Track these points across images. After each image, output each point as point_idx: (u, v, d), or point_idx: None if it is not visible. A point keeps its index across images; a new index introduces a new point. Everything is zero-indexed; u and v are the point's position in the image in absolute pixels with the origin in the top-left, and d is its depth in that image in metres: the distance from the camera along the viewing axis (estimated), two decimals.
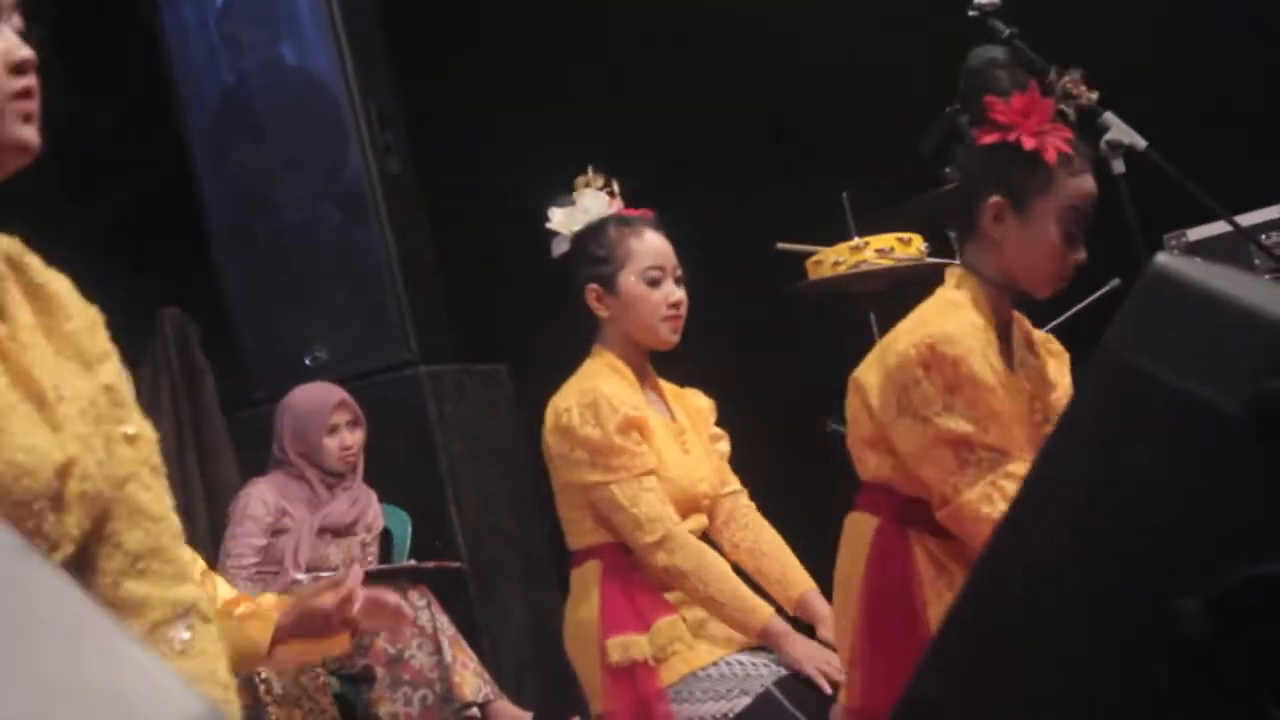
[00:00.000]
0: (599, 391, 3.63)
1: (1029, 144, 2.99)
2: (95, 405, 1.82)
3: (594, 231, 3.77)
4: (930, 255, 4.69)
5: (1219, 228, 4.34)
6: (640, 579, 3.61)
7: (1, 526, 0.97)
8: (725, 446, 3.90)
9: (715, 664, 3.57)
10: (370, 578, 4.51)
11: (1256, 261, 4.32)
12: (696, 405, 3.89)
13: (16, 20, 1.78)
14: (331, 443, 4.78)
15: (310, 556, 4.61)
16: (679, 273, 3.74)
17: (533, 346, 5.89)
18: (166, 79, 5.76)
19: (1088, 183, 3.03)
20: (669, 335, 3.71)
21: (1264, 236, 4.38)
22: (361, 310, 5.51)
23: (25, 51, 1.76)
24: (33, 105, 1.75)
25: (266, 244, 5.59)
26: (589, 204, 3.79)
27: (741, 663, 3.59)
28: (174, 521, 1.90)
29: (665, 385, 3.87)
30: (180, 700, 0.89)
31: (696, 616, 3.63)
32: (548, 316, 5.97)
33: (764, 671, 3.57)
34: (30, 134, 1.76)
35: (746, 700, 3.54)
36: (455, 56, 6.15)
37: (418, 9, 6.07)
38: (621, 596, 3.60)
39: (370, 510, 4.83)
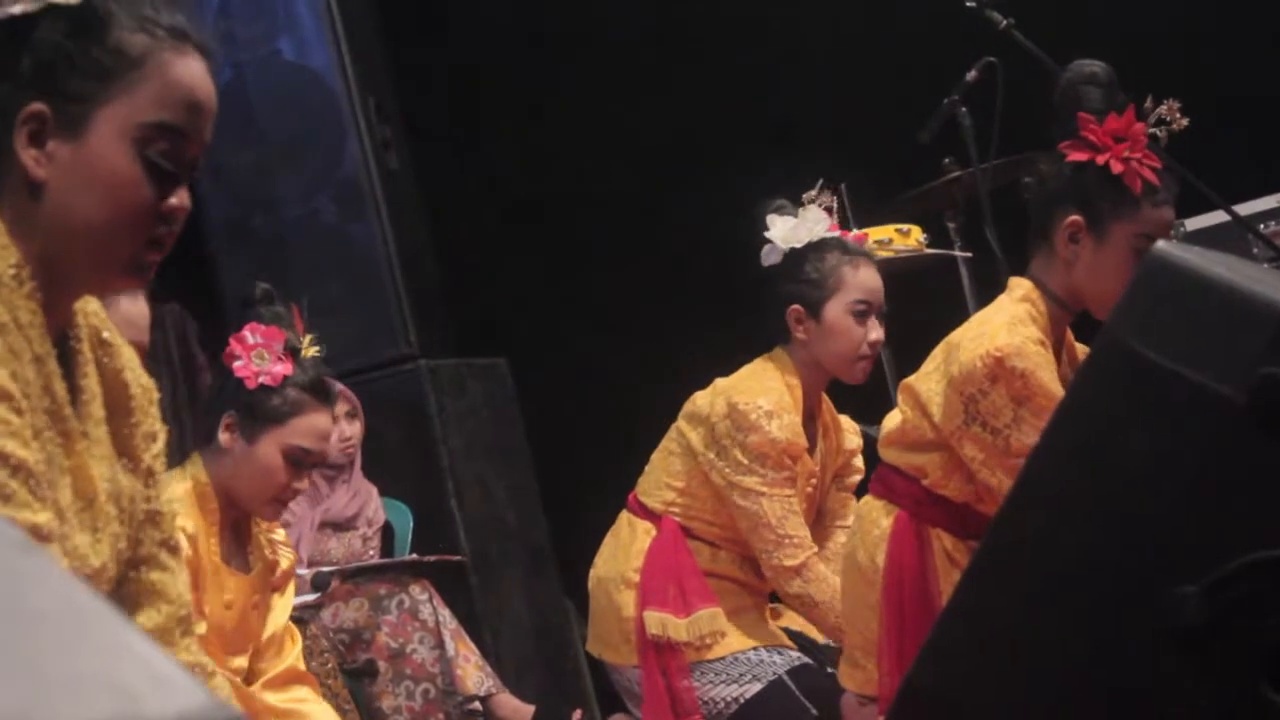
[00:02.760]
0: (786, 401, 3.64)
1: (1117, 169, 2.96)
2: (134, 502, 1.83)
3: (812, 252, 3.72)
4: (928, 246, 4.69)
5: (1217, 217, 4.34)
6: (690, 562, 3.67)
7: (2, 521, 0.97)
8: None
9: (735, 653, 3.63)
10: (372, 571, 4.54)
11: (1255, 250, 4.32)
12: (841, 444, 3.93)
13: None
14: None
15: (311, 551, 4.60)
16: (884, 309, 3.72)
17: (532, 340, 5.90)
18: None
19: (1168, 213, 3.03)
20: (859, 376, 3.72)
21: (1262, 225, 4.38)
22: (360, 305, 5.50)
23: (188, 205, 1.74)
24: (160, 256, 1.74)
25: (264, 239, 5.58)
26: (813, 221, 3.73)
27: (758, 650, 3.65)
28: (185, 606, 1.90)
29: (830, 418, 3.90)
30: (183, 691, 0.88)
31: (731, 605, 3.70)
32: (546, 310, 5.98)
33: (778, 660, 3.62)
34: (144, 280, 1.76)
35: (758, 687, 3.60)
36: (453, 51, 6.14)
37: (416, 3, 6.06)
38: (665, 573, 3.65)
39: (371, 504, 4.83)
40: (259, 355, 3.24)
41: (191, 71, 1.75)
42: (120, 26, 1.69)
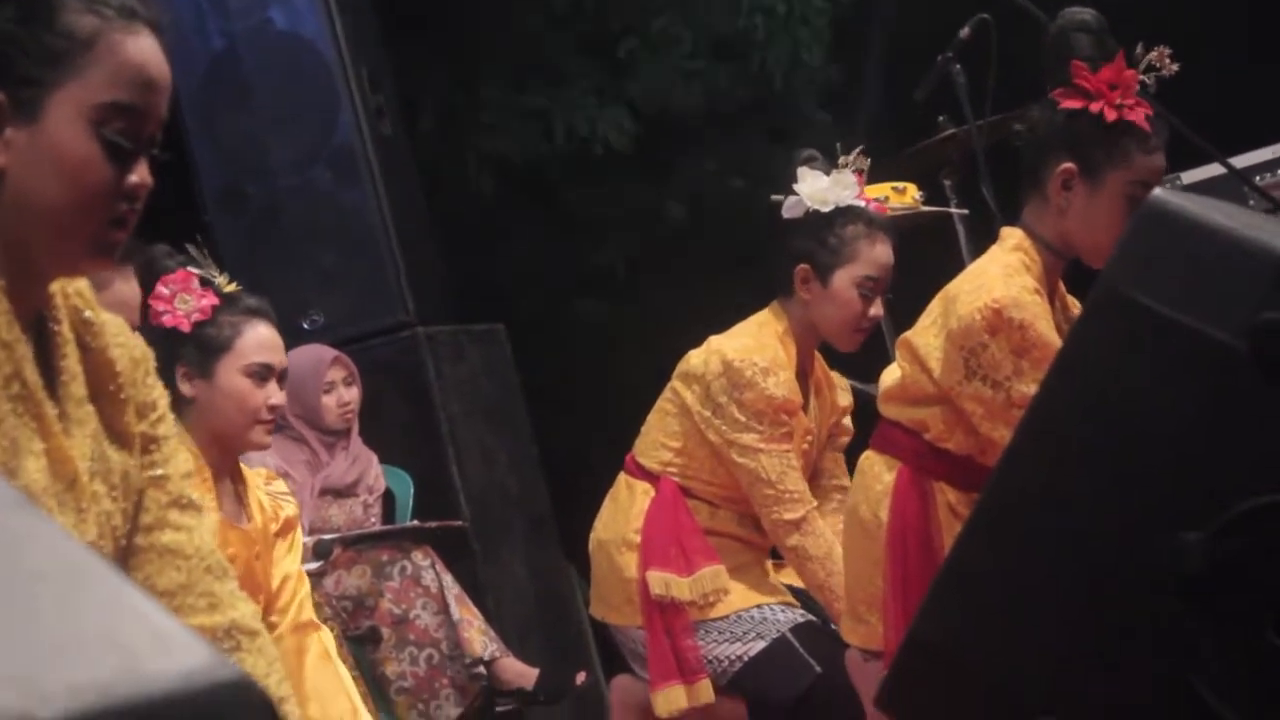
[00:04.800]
0: (780, 358, 3.64)
1: (1111, 116, 2.96)
2: (127, 477, 1.83)
3: (836, 218, 3.69)
4: (924, 204, 4.68)
5: (1213, 169, 4.33)
6: (690, 522, 3.68)
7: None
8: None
9: (738, 610, 3.64)
10: (374, 538, 4.54)
11: (1250, 203, 4.31)
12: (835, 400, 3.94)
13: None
14: (329, 400, 4.78)
15: (312, 518, 4.60)
16: (888, 285, 3.72)
17: (529, 304, 5.90)
18: None
19: (1160, 160, 3.02)
20: (852, 346, 3.73)
21: (1258, 178, 4.37)
22: (356, 273, 5.49)
23: (148, 182, 1.75)
24: (125, 235, 1.75)
25: (258, 208, 5.57)
26: (843, 186, 3.69)
27: (761, 608, 3.66)
28: (209, 556, 1.90)
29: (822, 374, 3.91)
30: (183, 648, 0.88)
31: (732, 563, 3.70)
32: (543, 275, 5.98)
33: (781, 618, 3.64)
34: (111, 260, 1.78)
35: (762, 644, 3.61)
36: (446, 18, 6.12)
37: None
38: (666, 533, 3.66)
39: (371, 471, 4.83)
40: (181, 300, 3.28)
41: (143, 49, 1.74)
42: (68, 9, 1.70)
